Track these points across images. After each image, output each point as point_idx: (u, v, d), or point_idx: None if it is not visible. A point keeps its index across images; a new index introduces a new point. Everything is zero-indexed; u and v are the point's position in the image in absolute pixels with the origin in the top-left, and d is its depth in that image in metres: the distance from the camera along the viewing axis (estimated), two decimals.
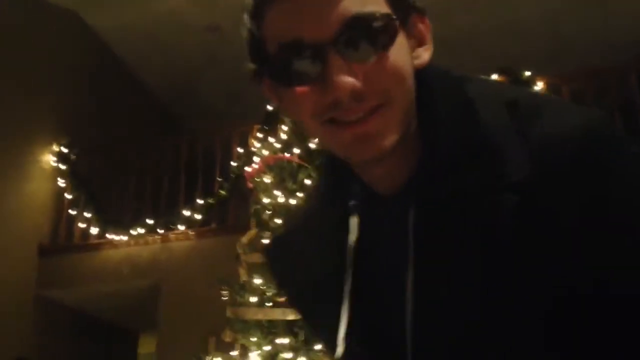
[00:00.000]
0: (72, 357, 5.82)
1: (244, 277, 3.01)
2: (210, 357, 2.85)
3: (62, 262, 5.57)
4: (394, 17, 0.62)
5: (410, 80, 0.64)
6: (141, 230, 5.41)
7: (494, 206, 0.60)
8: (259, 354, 2.74)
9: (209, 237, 5.30)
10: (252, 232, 3.23)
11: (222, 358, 2.85)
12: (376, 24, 0.60)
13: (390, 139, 0.63)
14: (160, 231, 5.38)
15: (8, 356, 5.18)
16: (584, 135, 0.59)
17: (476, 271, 0.61)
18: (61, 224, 5.75)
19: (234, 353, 2.85)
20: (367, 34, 0.60)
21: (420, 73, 0.67)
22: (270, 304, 2.89)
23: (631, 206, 0.59)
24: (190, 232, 5.32)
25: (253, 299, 2.91)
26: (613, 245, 0.58)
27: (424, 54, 0.67)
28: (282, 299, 2.80)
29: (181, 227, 5.33)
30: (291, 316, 2.70)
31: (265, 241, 3.17)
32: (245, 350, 2.85)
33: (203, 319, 4.33)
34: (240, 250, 3.09)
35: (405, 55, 0.64)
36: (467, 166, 0.62)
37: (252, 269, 3.03)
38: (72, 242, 5.65)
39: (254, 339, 2.83)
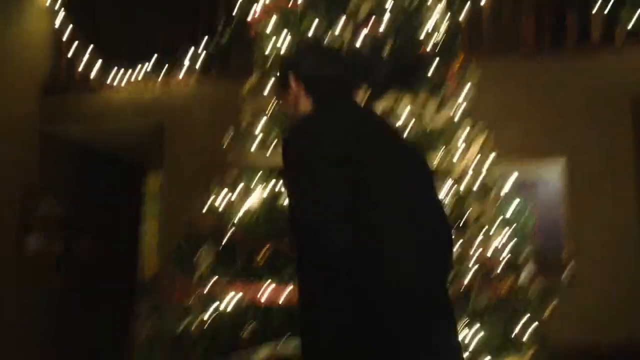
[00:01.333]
0: (81, 192, 6.07)
1: (246, 121, 3.06)
2: (214, 196, 2.98)
3: (65, 100, 5.61)
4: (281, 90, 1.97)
5: (293, 104, 1.91)
6: (142, 73, 5.40)
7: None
8: (258, 195, 2.87)
9: (211, 83, 5.30)
10: (255, 78, 3.23)
11: (224, 197, 2.98)
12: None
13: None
14: (162, 75, 5.37)
15: (17, 189, 5.40)
16: (288, 134, 1.76)
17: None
18: (62, 62, 5.71)
19: (236, 193, 2.97)
20: None
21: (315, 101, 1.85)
22: (271, 148, 2.98)
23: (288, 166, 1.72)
24: (192, 78, 5.30)
25: (254, 144, 2.99)
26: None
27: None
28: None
29: (183, 73, 5.31)
30: None
31: (268, 88, 3.19)
32: (247, 191, 2.97)
33: (206, 160, 4.46)
34: (243, 95, 3.12)
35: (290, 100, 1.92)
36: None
37: (254, 115, 3.07)
38: (73, 81, 5.65)
39: (254, 181, 2.95)
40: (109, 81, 5.45)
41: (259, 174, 2.94)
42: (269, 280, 2.59)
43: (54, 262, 5.77)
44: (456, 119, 3.08)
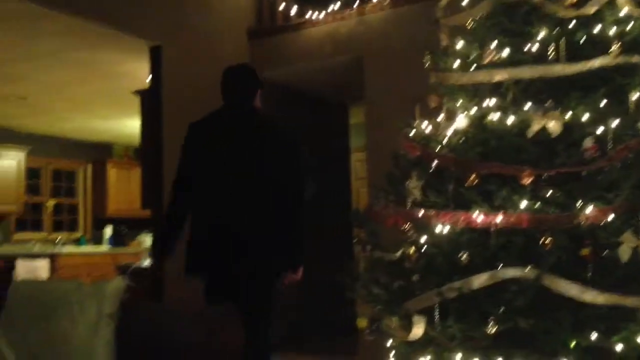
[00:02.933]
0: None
1: (445, 41, 2.94)
2: (417, 122, 2.93)
3: (269, 43, 5.88)
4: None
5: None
6: (337, 6, 5.46)
7: None
8: (465, 117, 2.76)
9: (405, 4, 5.16)
10: None
11: (429, 123, 2.92)
12: None
13: None
14: (355, 4, 5.38)
15: None
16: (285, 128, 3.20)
17: None
18: (264, 5, 5.96)
19: (441, 117, 2.90)
20: None
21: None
22: (474, 66, 2.82)
23: (283, 152, 3.01)
24: (385, 2, 5.21)
25: (456, 63, 2.86)
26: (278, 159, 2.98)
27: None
28: (487, 61, 2.71)
29: None
30: (497, 77, 2.62)
31: (464, 3, 3.01)
32: (451, 114, 2.88)
33: (407, 87, 4.40)
34: (439, 14, 2.98)
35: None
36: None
37: (453, 33, 2.93)
38: (275, 24, 5.89)
39: (459, 102, 2.84)
40: (306, 19, 5.60)
41: (464, 94, 2.82)
42: (480, 207, 2.50)
43: None
44: None
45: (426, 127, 2.90)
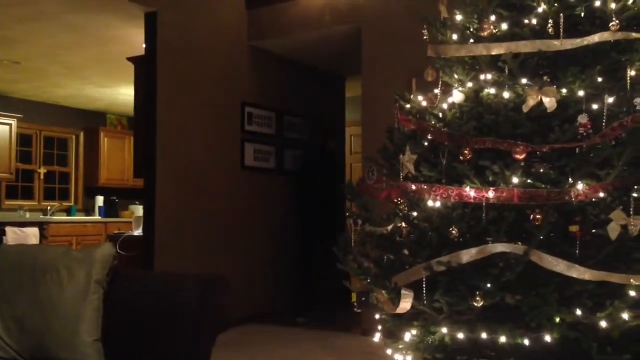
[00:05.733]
0: (288, 103, 6.38)
1: (444, 13, 2.90)
2: (413, 96, 2.90)
3: (267, 12, 5.81)
4: None
5: None
6: None
7: None
8: (461, 91, 2.73)
9: None
10: None
11: (425, 96, 2.89)
12: None
13: None
14: None
15: (235, 101, 5.82)
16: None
17: None
18: None
19: (437, 91, 2.87)
20: None
21: None
22: (472, 40, 2.79)
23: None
24: None
25: (454, 36, 2.82)
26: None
27: None
28: (485, 34, 2.67)
29: None
30: (495, 50, 2.59)
31: None
32: (447, 88, 2.85)
33: (405, 60, 4.37)
34: None
35: None
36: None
37: (452, 4, 2.89)
38: None
39: (456, 76, 2.81)
40: None
41: (461, 67, 2.79)
42: (473, 182, 2.49)
43: (268, 173, 6.21)
44: None
45: (422, 100, 2.88)
